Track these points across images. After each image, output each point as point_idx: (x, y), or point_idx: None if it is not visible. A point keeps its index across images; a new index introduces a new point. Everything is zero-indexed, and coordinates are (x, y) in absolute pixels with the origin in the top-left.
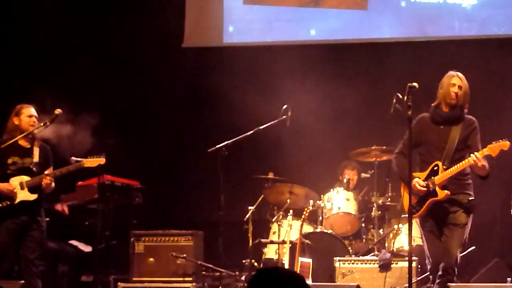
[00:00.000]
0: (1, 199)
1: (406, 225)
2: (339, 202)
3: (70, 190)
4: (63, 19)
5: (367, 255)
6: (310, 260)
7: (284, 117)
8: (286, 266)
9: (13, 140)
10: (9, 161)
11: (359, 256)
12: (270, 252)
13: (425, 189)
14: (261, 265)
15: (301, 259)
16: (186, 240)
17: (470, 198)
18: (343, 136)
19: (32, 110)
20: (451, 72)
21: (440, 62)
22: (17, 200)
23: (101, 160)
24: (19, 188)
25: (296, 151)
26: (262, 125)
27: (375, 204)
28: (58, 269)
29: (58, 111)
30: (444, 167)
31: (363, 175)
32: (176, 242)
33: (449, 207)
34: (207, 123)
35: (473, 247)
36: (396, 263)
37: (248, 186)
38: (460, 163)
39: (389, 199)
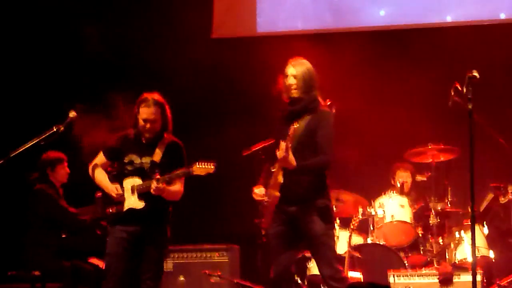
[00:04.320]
0: (111, 203)
1: (469, 234)
2: (393, 209)
3: (88, 202)
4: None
5: (425, 269)
6: (360, 276)
7: None
8: None
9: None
10: (126, 159)
11: (416, 270)
12: (315, 268)
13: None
14: (306, 283)
15: (350, 274)
16: (221, 256)
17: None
18: (395, 134)
19: (151, 103)
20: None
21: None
22: (125, 208)
23: (210, 169)
24: (130, 193)
25: (342, 152)
26: None
27: (433, 211)
28: None
29: (72, 113)
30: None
31: (418, 177)
32: (209, 258)
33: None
34: (240, 122)
35: None
36: (459, 277)
37: None
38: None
39: (449, 205)
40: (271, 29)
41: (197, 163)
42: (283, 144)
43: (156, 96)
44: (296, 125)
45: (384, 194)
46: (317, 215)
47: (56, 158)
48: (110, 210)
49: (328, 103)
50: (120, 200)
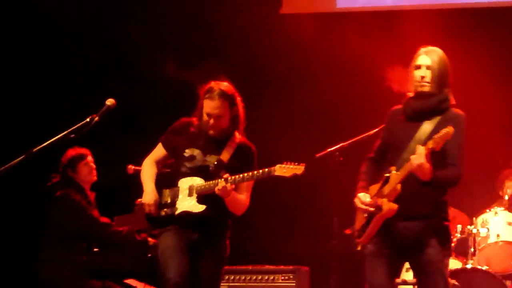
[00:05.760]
0: (161, 205)
1: None
2: (499, 227)
3: (126, 210)
4: None
5: None
6: None
7: None
8: None
9: None
10: (186, 153)
11: None
12: None
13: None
14: None
15: None
16: (286, 280)
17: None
18: (503, 134)
19: (215, 94)
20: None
21: None
22: (178, 211)
23: (299, 169)
24: (186, 194)
25: None
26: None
27: None
28: None
29: (110, 101)
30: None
31: None
32: (271, 282)
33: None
34: (312, 117)
35: None
36: None
37: None
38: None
39: None
40: (352, 4)
41: (284, 162)
42: (421, 149)
43: (224, 86)
44: (449, 129)
45: (489, 209)
46: (435, 238)
47: (75, 156)
48: (161, 213)
49: None
50: (170, 203)
